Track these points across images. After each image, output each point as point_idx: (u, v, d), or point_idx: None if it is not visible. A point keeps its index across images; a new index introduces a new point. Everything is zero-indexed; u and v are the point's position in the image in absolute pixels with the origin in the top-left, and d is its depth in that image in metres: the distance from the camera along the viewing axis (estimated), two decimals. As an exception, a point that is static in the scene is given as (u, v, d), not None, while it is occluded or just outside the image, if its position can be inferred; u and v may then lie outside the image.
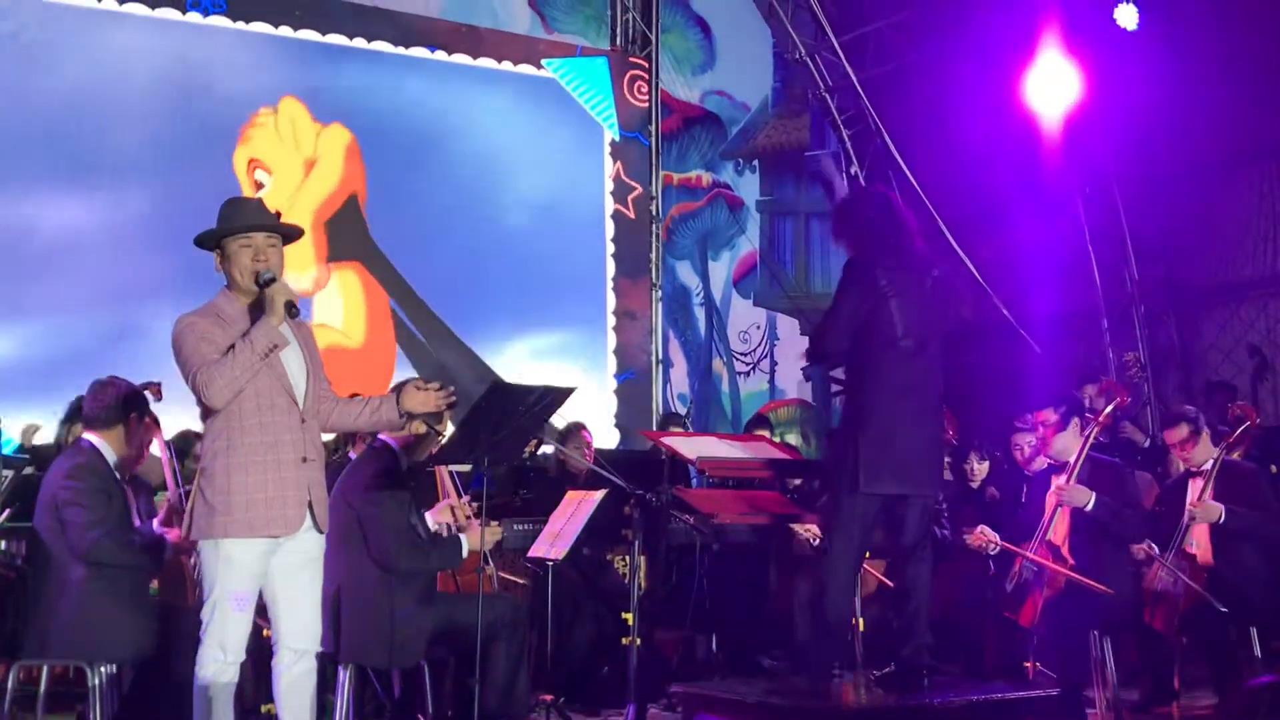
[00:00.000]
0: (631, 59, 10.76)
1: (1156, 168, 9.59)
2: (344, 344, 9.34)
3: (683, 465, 6.58)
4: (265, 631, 4.26)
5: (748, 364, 11.34)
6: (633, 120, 10.68)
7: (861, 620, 5.60)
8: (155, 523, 5.01)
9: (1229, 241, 9.59)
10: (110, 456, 4.82)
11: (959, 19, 9.89)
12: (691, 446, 5.54)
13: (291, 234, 4.25)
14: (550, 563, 5.75)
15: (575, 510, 5.77)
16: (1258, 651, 5.43)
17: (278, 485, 3.99)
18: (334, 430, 4.87)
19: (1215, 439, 5.87)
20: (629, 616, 5.42)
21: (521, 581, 6.42)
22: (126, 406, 4.85)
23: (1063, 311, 9.74)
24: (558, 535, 5.72)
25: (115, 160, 8.62)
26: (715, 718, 4.86)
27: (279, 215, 4.29)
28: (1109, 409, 5.86)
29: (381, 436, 5.11)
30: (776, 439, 8.31)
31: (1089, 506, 5.42)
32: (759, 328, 11.42)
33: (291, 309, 4.01)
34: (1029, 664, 5.71)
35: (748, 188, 11.52)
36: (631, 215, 10.62)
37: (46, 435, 6.81)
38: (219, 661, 3.96)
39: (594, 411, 9.44)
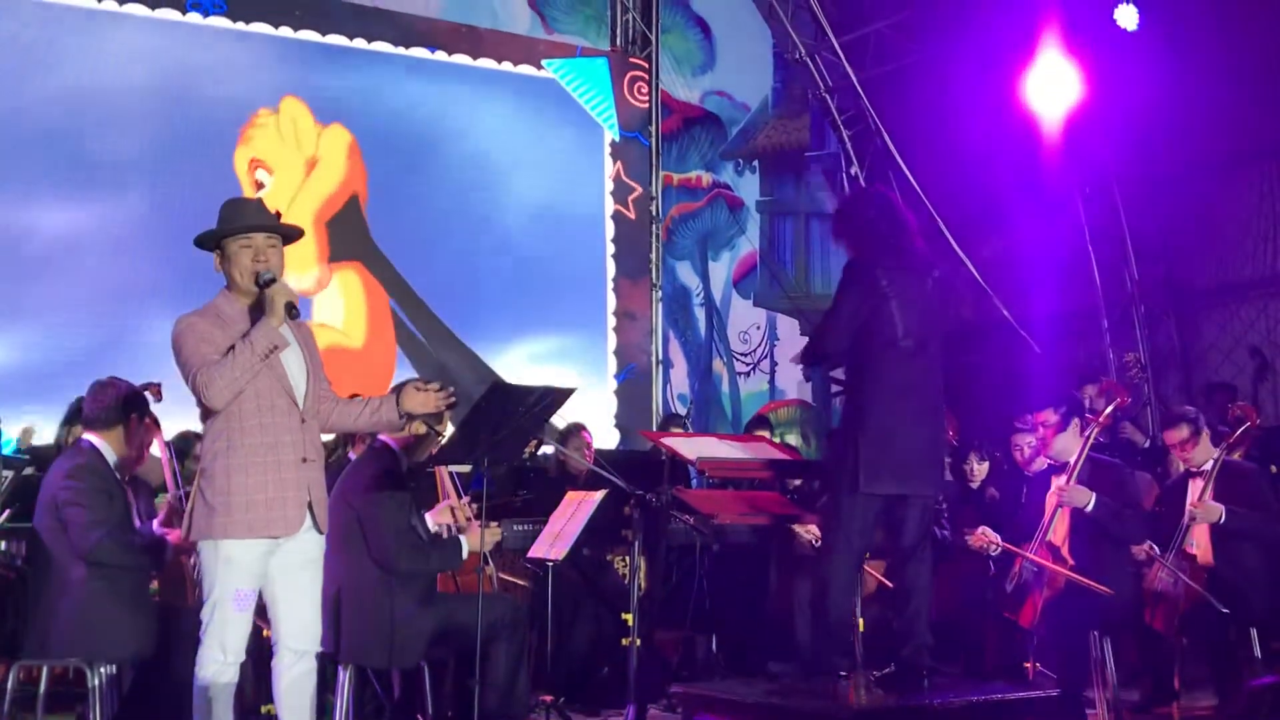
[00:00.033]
0: (631, 59, 10.76)
1: (1156, 168, 9.59)
2: (344, 344, 9.34)
3: (683, 466, 6.58)
4: (265, 632, 4.26)
5: (748, 364, 11.34)
6: (633, 121, 10.68)
7: (861, 621, 5.60)
8: (155, 523, 5.01)
9: (1229, 242, 9.59)
10: (110, 457, 4.83)
11: (959, 19, 9.89)
12: (691, 447, 5.54)
13: (292, 234, 4.25)
14: (550, 563, 5.75)
15: (575, 511, 5.77)
16: (1258, 652, 5.43)
17: (278, 486, 4.00)
18: (334, 431, 4.87)
19: (1215, 439, 5.87)
20: (629, 617, 5.42)
21: (522, 583, 6.42)
22: (126, 407, 4.86)
23: (1063, 311, 9.73)
24: (558, 536, 5.72)
25: (114, 161, 8.60)
26: (715, 718, 4.86)
27: (279, 215, 4.29)
28: (1109, 409, 5.86)
29: (381, 437, 5.11)
30: (777, 439, 8.31)
31: (1089, 507, 5.42)
32: (759, 328, 11.42)
33: (292, 310, 4.01)
34: (1029, 664, 5.71)
35: (748, 188, 11.52)
36: (632, 216, 10.62)
37: (45, 437, 6.81)
38: (219, 662, 3.96)
39: (594, 412, 9.44)
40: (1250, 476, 5.79)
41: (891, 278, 4.74)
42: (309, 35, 9.37)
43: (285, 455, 4.02)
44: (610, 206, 10.55)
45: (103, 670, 4.66)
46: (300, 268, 9.04)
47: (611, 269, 10.52)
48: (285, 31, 9.28)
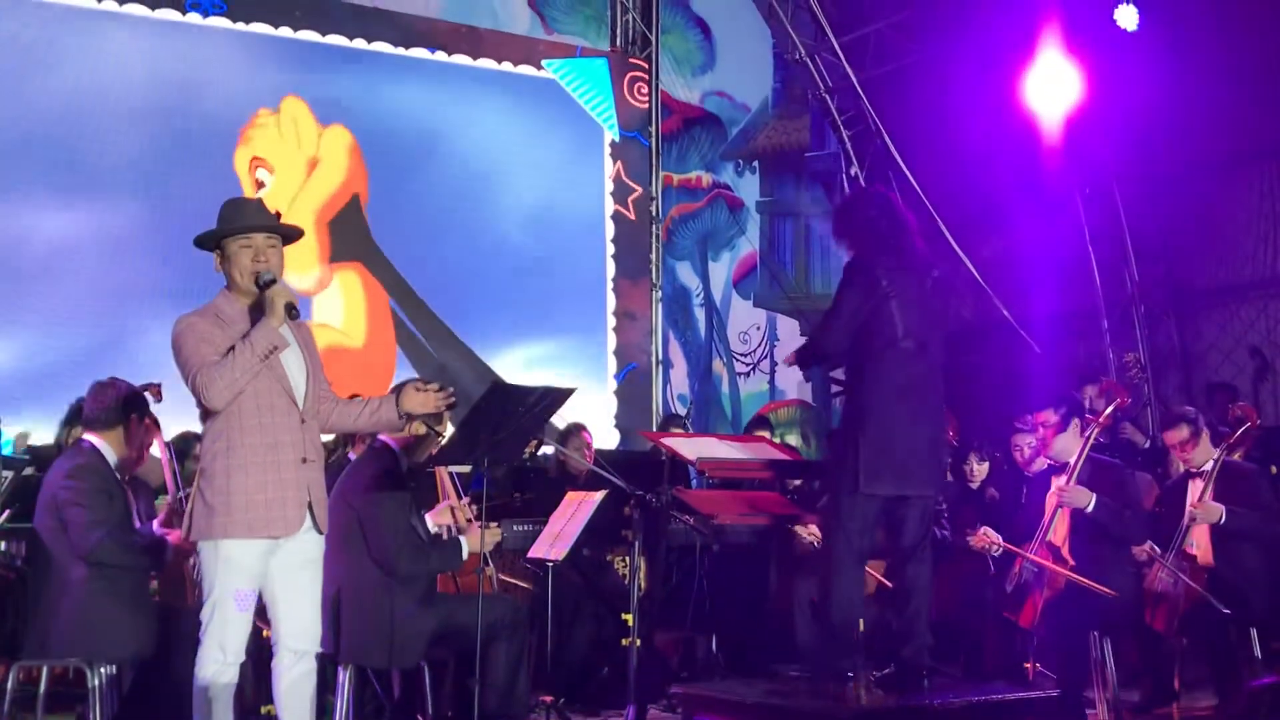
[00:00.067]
0: (631, 60, 10.76)
1: (1156, 168, 9.59)
2: (344, 344, 9.34)
3: (683, 466, 6.58)
4: (265, 632, 4.26)
5: (748, 365, 11.34)
6: (633, 121, 10.68)
7: (861, 621, 5.59)
8: (155, 524, 5.01)
9: (1229, 242, 9.59)
10: (111, 457, 4.83)
11: (959, 19, 9.89)
12: (691, 447, 5.55)
13: (291, 235, 4.25)
14: (550, 564, 5.75)
15: (575, 511, 5.77)
16: (1258, 652, 5.43)
17: (277, 486, 3.99)
18: (333, 431, 4.87)
19: (1215, 440, 5.87)
20: (629, 617, 5.42)
21: (523, 584, 6.41)
22: (127, 408, 4.86)
23: (1063, 312, 9.73)
24: (558, 536, 5.71)
25: (114, 162, 8.59)
26: (715, 718, 4.86)
27: (279, 216, 4.29)
28: (1109, 410, 5.86)
29: (381, 437, 5.11)
30: (777, 440, 8.31)
31: (1089, 508, 5.42)
32: (759, 328, 11.42)
33: (292, 311, 4.01)
34: (1029, 665, 5.70)
35: (748, 188, 11.52)
36: (631, 216, 10.61)
37: (42, 440, 6.81)
38: (219, 662, 3.96)
39: (594, 412, 9.43)
40: (1250, 477, 5.79)
41: (892, 278, 4.74)
42: (309, 35, 9.37)
43: (285, 455, 4.02)
44: (610, 207, 10.55)
45: (103, 670, 4.66)
46: (301, 268, 9.04)
47: (611, 269, 10.52)
48: (285, 32, 9.28)
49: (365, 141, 9.51)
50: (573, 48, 10.54)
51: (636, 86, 10.70)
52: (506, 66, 10.16)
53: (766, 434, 7.70)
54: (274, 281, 4.01)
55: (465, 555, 5.11)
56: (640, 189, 10.66)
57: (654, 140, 10.75)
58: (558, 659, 6.03)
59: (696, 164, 11.30)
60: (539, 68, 10.29)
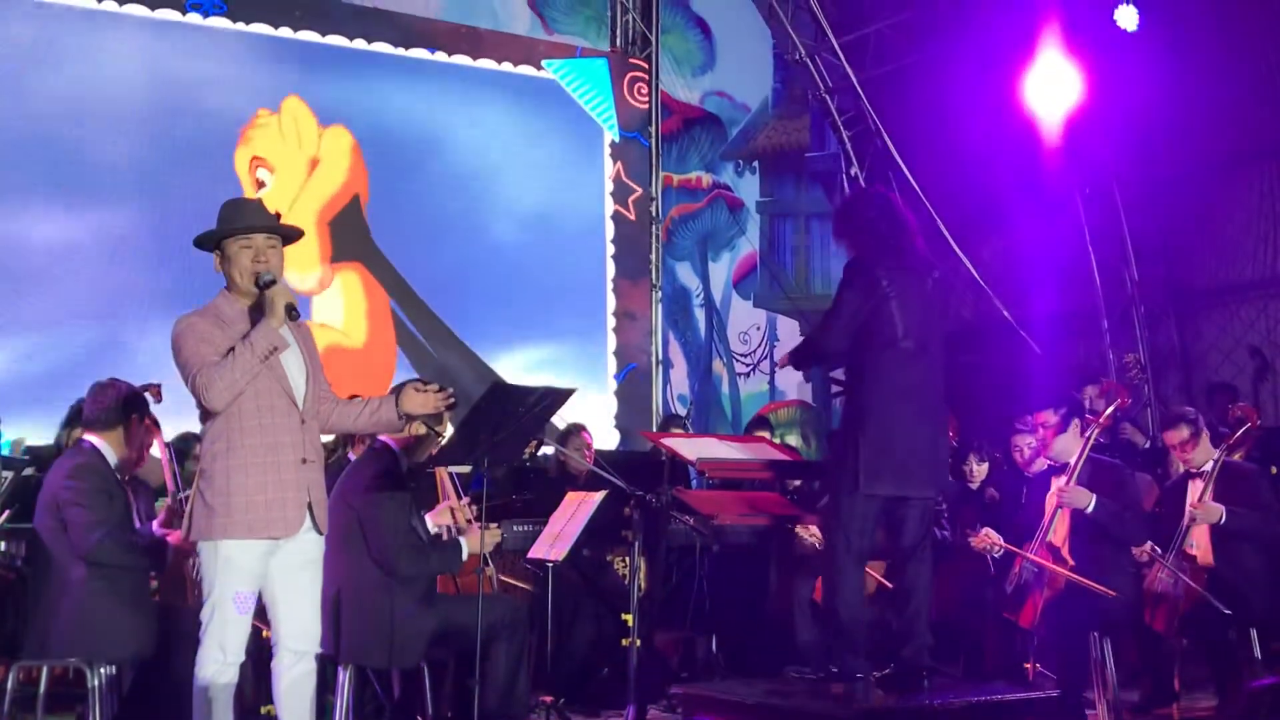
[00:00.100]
0: (631, 60, 10.76)
1: (1156, 168, 9.59)
2: (345, 344, 9.34)
3: (683, 466, 6.58)
4: (265, 633, 4.26)
5: (748, 365, 11.34)
6: (633, 121, 10.68)
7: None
8: (155, 525, 5.01)
9: (1229, 242, 9.59)
10: (111, 458, 4.83)
11: (959, 19, 9.89)
12: (692, 448, 5.54)
13: (291, 235, 4.25)
14: (550, 564, 5.75)
15: (575, 511, 5.77)
16: (1258, 653, 5.42)
17: (277, 487, 3.99)
18: (333, 431, 4.87)
19: (1215, 440, 5.86)
20: (629, 618, 5.42)
21: (523, 585, 6.41)
22: (127, 408, 4.86)
23: (1063, 312, 9.73)
24: (558, 536, 5.71)
25: (113, 163, 8.59)
26: (715, 719, 4.85)
27: (279, 216, 4.29)
28: (1110, 410, 5.85)
29: (381, 438, 5.11)
30: (777, 440, 8.31)
31: (1090, 508, 5.41)
32: (759, 329, 11.42)
33: (292, 312, 4.00)
34: (1029, 665, 5.70)
35: (748, 189, 11.52)
36: (631, 216, 10.62)
37: (42, 441, 6.80)
38: (219, 662, 3.96)
39: (594, 412, 9.44)
40: (1250, 477, 5.78)
41: (892, 278, 4.74)
42: (309, 36, 9.38)
43: (285, 456, 4.02)
44: (610, 207, 10.55)
45: (102, 671, 4.66)
46: (303, 268, 9.05)
47: (611, 269, 10.52)
48: (285, 32, 9.29)
49: (365, 142, 9.52)
50: (573, 48, 10.54)
51: (636, 87, 10.71)
52: (506, 67, 10.16)
53: (766, 434, 7.70)
54: (274, 282, 4.01)
55: (465, 556, 5.11)
56: (640, 189, 10.66)
57: (654, 140, 10.75)
58: (558, 659, 6.03)
59: (696, 164, 11.30)
60: (539, 68, 10.29)
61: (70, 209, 8.43)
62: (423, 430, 5.02)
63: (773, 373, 11.34)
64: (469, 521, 5.23)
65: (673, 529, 6.19)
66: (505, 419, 4.64)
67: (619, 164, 10.60)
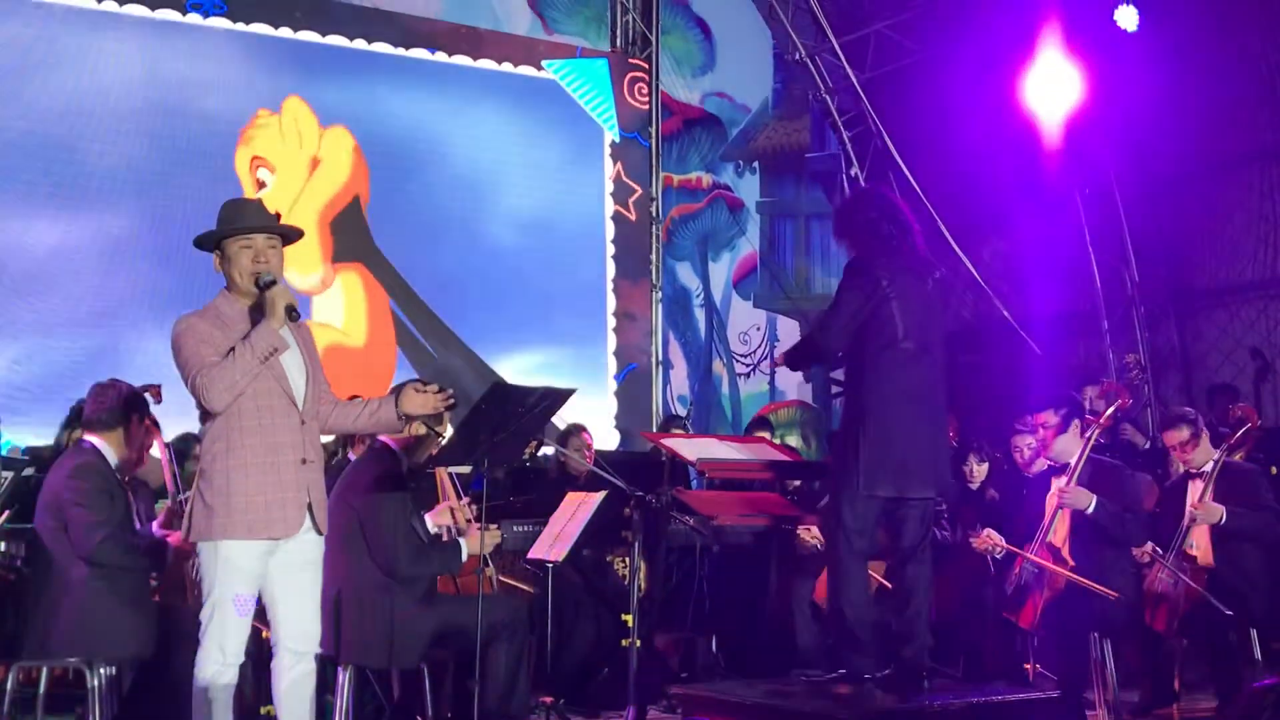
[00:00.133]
0: (631, 60, 10.76)
1: (1156, 168, 9.59)
2: (345, 344, 9.34)
3: (683, 467, 6.58)
4: (265, 634, 4.26)
5: (748, 365, 11.34)
6: (633, 122, 10.68)
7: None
8: (155, 525, 5.01)
9: (1229, 243, 9.58)
10: (111, 458, 4.83)
11: (959, 19, 9.89)
12: (692, 448, 5.54)
13: (291, 235, 4.24)
14: (550, 564, 5.74)
15: (575, 512, 5.76)
16: (1258, 653, 5.42)
17: (277, 487, 3.99)
18: (333, 432, 4.87)
19: (1215, 441, 5.86)
20: (629, 618, 5.41)
21: (523, 586, 6.41)
22: (127, 409, 4.87)
23: (1063, 312, 9.74)
24: (558, 537, 5.71)
25: (113, 164, 8.59)
26: (715, 719, 4.85)
27: (279, 216, 4.29)
28: (1110, 411, 5.85)
29: (381, 438, 5.10)
30: (777, 440, 8.31)
31: (1090, 509, 5.41)
32: (759, 329, 11.41)
33: (292, 313, 4.00)
34: (1029, 666, 5.71)
35: (748, 189, 11.52)
36: (632, 217, 10.62)
37: (41, 443, 6.80)
38: (218, 663, 3.96)
39: (594, 413, 9.43)
40: (1250, 477, 5.78)
41: (893, 278, 4.73)
42: (309, 36, 9.38)
43: (285, 457, 4.02)
44: (610, 207, 10.55)
45: (102, 671, 4.66)
46: (305, 268, 9.06)
47: (611, 270, 10.52)
48: (285, 32, 9.28)
49: (365, 142, 9.52)
50: (573, 48, 10.54)
51: (636, 87, 10.71)
52: (507, 67, 10.16)
53: (767, 435, 7.70)
54: (274, 283, 4.00)
55: (465, 557, 5.11)
56: (640, 189, 10.66)
57: (654, 141, 10.75)
58: (558, 660, 6.03)
59: (697, 165, 11.30)
60: (539, 68, 10.29)
61: (70, 209, 8.43)
62: (423, 431, 5.02)
63: (773, 373, 11.33)
64: (469, 522, 5.23)
65: (673, 529, 6.19)
66: (505, 419, 4.64)
67: (619, 164, 10.60)
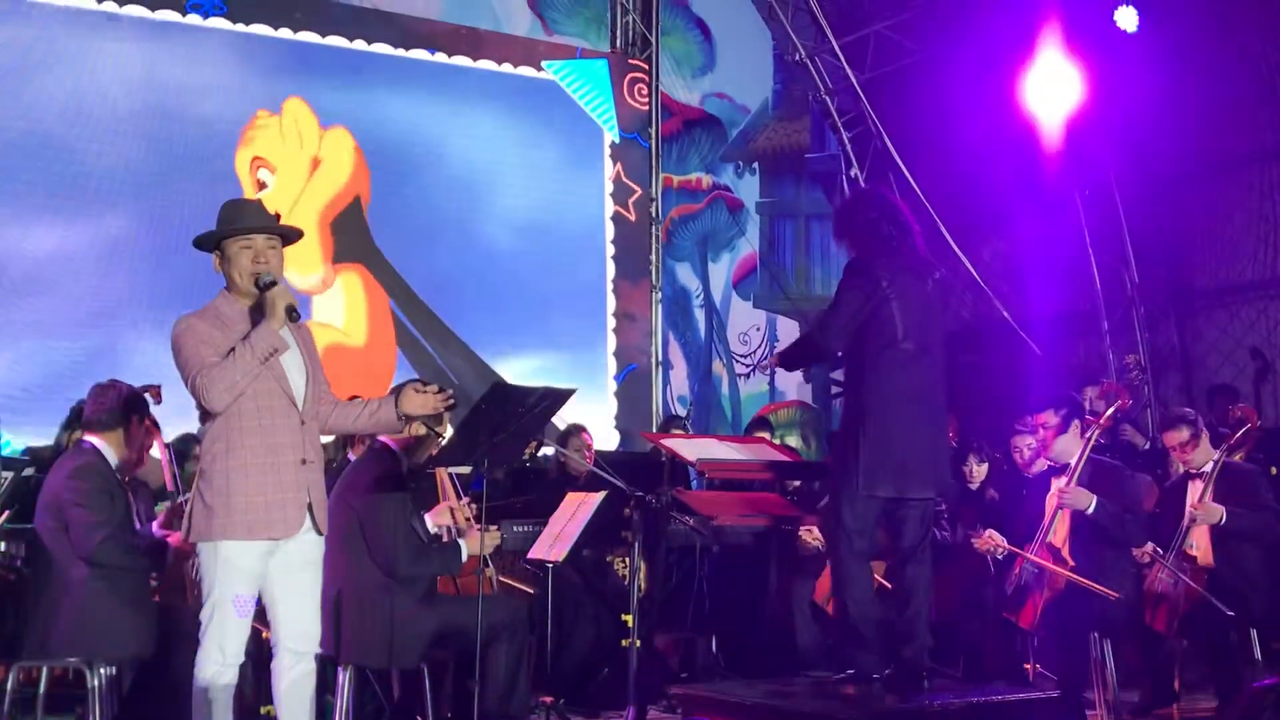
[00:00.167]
0: (631, 61, 10.77)
1: (1156, 168, 9.59)
2: (346, 344, 9.34)
3: (682, 467, 6.58)
4: (265, 634, 4.26)
5: (748, 366, 11.34)
6: (633, 122, 10.68)
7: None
8: (154, 526, 5.01)
9: (1229, 243, 9.58)
10: (112, 459, 4.84)
11: (959, 19, 9.89)
12: (692, 448, 5.54)
13: (291, 235, 4.25)
14: (550, 565, 5.74)
15: (575, 512, 5.76)
16: (1258, 653, 5.42)
17: (277, 488, 3.99)
18: (333, 432, 4.87)
19: (1215, 441, 5.86)
20: (629, 618, 5.41)
21: (523, 587, 6.40)
22: (127, 409, 4.87)
23: (1063, 313, 9.73)
24: (558, 537, 5.71)
25: (113, 165, 8.59)
26: (715, 719, 4.85)
27: (279, 217, 4.29)
28: (1110, 411, 5.85)
29: (381, 439, 5.10)
30: (777, 441, 8.31)
31: (1090, 509, 5.41)
32: (759, 329, 11.42)
33: (292, 313, 4.00)
34: (1029, 666, 5.70)
35: (748, 190, 11.52)
36: (631, 217, 10.62)
37: (41, 444, 6.81)
38: (218, 663, 3.96)
39: (594, 413, 9.43)
40: (1250, 478, 5.78)
41: (893, 278, 4.73)
42: (309, 37, 9.38)
43: (285, 457, 4.02)
44: (610, 208, 10.55)
45: (102, 671, 4.66)
46: (306, 268, 9.06)
47: (611, 270, 10.52)
48: (285, 33, 9.29)
49: (365, 143, 9.52)
50: (573, 49, 10.54)
51: (636, 88, 10.71)
52: (506, 68, 10.16)
53: (766, 435, 7.70)
54: (274, 283, 4.00)
55: (465, 557, 5.11)
56: (640, 190, 10.66)
57: (654, 142, 10.76)
58: (558, 660, 6.03)
59: (696, 165, 11.30)
60: (539, 69, 10.29)
61: (69, 210, 8.42)
62: (423, 431, 5.02)
63: (773, 374, 11.31)
64: (469, 522, 5.23)
65: (673, 530, 6.19)
66: (505, 420, 4.64)
67: (619, 165, 10.60)
